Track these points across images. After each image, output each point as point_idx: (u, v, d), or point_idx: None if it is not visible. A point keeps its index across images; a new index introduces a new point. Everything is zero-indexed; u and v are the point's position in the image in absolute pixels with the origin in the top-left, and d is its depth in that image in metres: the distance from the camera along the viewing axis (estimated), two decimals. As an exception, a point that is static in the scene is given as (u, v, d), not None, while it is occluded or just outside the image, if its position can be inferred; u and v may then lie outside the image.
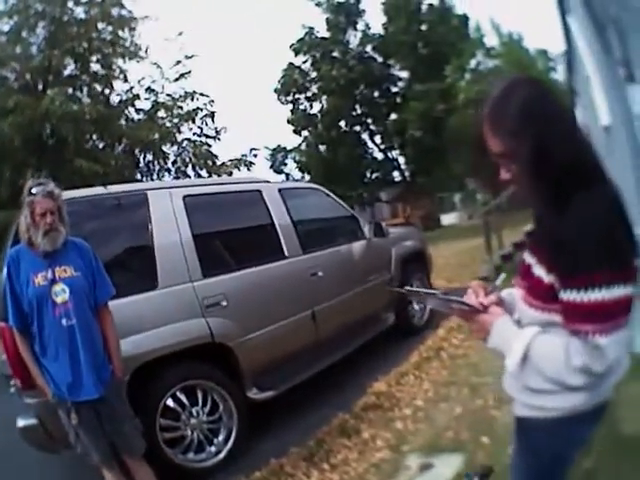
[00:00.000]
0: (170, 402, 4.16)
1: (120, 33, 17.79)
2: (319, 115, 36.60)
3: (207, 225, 4.99)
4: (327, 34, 35.89)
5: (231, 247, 5.18)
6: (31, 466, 4.76)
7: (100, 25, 17.33)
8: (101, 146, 17.79)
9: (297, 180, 33.38)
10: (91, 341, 3.24)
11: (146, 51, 18.24)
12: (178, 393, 4.20)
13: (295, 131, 37.06)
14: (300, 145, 37.33)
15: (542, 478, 1.71)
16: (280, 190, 5.85)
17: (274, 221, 5.50)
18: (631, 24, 4.01)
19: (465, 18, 32.61)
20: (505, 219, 12.43)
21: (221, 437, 4.43)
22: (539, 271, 1.55)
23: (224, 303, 4.60)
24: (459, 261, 13.51)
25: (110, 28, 17.58)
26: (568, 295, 1.43)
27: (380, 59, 36.03)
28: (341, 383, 5.72)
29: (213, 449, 4.38)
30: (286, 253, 5.44)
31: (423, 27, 33.53)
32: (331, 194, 6.76)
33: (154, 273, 4.33)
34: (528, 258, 1.64)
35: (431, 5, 33.80)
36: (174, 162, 18.63)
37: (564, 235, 1.42)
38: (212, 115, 18.78)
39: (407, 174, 37.46)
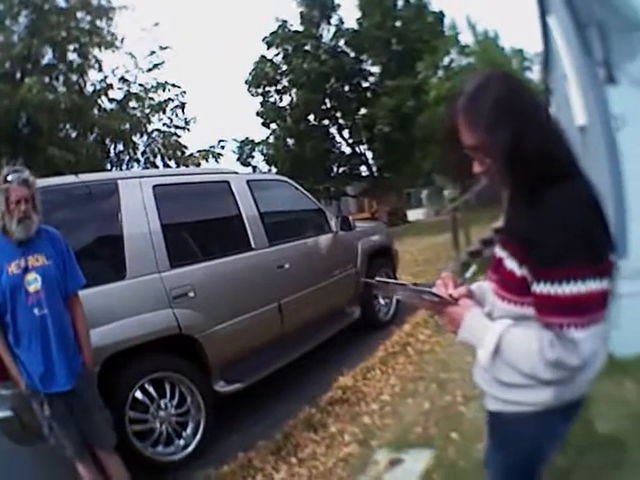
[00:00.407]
0: (139, 394, 4.12)
1: (98, 22, 17.65)
2: (288, 108, 36.45)
3: (175, 215, 4.93)
4: (300, 28, 35.73)
5: (199, 238, 5.14)
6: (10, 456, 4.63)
7: (79, 14, 17.19)
8: (74, 135, 17.58)
9: (265, 172, 33.20)
10: (63, 331, 3.19)
11: (122, 41, 18.19)
12: (146, 385, 4.16)
13: (264, 124, 36.86)
14: (268, 138, 37.14)
15: (515, 472, 1.70)
16: (248, 182, 5.82)
17: (242, 212, 5.46)
18: (614, 25, 4.04)
19: (441, 15, 32.83)
20: (472, 215, 12.54)
21: (189, 430, 4.41)
22: (511, 264, 1.54)
23: (191, 294, 4.56)
24: (425, 257, 13.57)
25: (89, 17, 17.45)
26: (542, 288, 1.42)
27: (353, 54, 35.97)
28: (307, 377, 5.72)
29: (182, 442, 4.35)
30: (253, 245, 5.41)
31: (398, 23, 33.61)
32: (299, 187, 6.76)
33: (123, 263, 4.26)
34: (499, 252, 1.63)
35: (407, 1, 33.86)
36: (143, 152, 18.60)
37: (539, 228, 1.41)
38: (183, 106, 18.89)
39: (374, 169, 37.52)
